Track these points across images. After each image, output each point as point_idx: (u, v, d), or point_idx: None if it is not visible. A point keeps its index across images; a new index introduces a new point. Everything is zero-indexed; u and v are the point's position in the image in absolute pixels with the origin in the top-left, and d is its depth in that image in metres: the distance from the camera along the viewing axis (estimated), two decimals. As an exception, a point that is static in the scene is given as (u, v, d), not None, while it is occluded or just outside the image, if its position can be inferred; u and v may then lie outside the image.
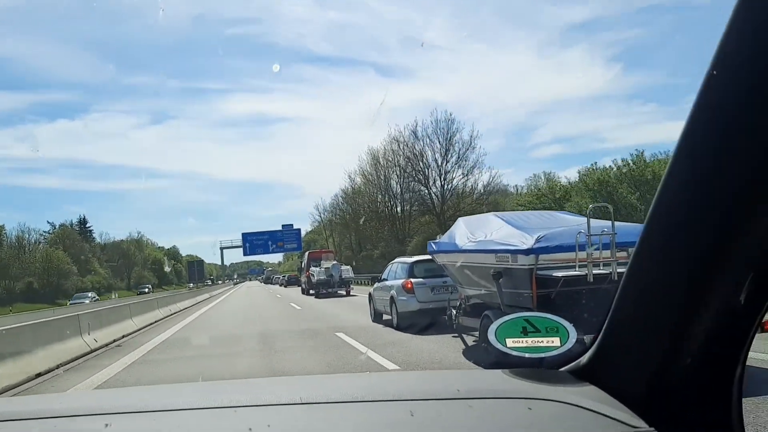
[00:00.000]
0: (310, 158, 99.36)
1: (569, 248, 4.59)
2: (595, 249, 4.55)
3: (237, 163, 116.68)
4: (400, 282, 9.82)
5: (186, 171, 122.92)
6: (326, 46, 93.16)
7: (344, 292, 24.17)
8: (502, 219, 5.98)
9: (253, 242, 58.23)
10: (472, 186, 40.14)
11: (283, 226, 58.38)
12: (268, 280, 71.45)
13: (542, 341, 1.02)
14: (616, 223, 6.13)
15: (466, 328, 6.71)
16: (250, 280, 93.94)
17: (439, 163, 41.26)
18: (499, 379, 0.99)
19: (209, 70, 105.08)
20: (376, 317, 11.23)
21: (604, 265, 4.57)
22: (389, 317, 10.21)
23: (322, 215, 58.99)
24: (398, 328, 9.51)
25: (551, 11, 52.49)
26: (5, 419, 0.87)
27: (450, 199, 41.00)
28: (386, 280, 10.85)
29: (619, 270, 4.50)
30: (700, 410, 0.74)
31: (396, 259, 11.57)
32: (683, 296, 0.70)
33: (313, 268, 26.23)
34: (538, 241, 4.84)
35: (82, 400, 1.06)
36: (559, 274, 4.57)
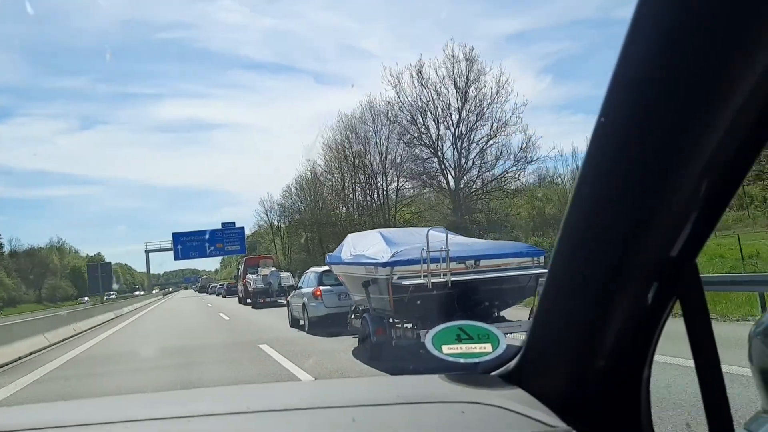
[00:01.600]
0: (248, 165, 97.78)
1: (417, 261, 5.87)
2: (439, 262, 5.86)
3: (172, 169, 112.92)
4: (311, 290, 11.02)
5: (117, 177, 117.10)
6: (263, 53, 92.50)
7: (284, 302, 21.58)
8: (381, 235, 7.22)
9: (186, 244, 48.89)
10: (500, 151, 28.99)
11: (223, 224, 50.28)
12: (203, 289, 65.62)
13: (475, 347, 1.09)
14: (467, 239, 7.61)
15: (356, 329, 7.90)
16: (185, 289, 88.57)
17: (454, 121, 29.62)
18: (436, 384, 1.05)
19: (141, 74, 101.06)
20: (293, 323, 12.25)
21: (444, 275, 5.87)
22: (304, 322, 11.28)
23: (269, 213, 50.56)
24: (309, 331, 10.58)
25: (485, 23, 55.47)
26: None
27: (470, 171, 30.09)
28: (302, 288, 11.96)
29: (453, 278, 5.83)
30: (613, 410, 0.80)
31: (310, 269, 12.80)
32: (594, 302, 0.76)
33: (249, 276, 24.76)
34: (394, 255, 6.09)
35: (67, 411, 1.08)
36: (407, 282, 5.84)
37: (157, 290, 72.36)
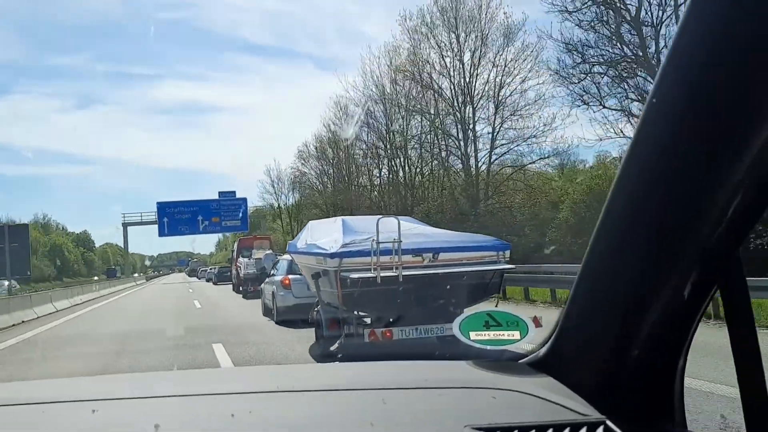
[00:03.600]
0: (245, 149, 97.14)
1: (369, 253, 5.51)
2: (392, 255, 5.50)
3: (169, 152, 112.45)
4: (280, 278, 10.62)
5: (113, 158, 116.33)
6: (263, 36, 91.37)
7: None
8: (343, 223, 6.83)
9: (174, 217, 38.92)
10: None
11: (221, 194, 40.33)
12: (192, 273, 58.94)
13: (503, 334, 1.12)
14: (429, 230, 7.22)
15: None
16: (179, 272, 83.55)
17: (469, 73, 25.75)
18: (465, 369, 1.06)
19: (140, 54, 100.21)
20: (266, 311, 11.92)
21: (395, 268, 5.51)
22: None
23: (276, 184, 42.85)
24: (278, 322, 10.26)
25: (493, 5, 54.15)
26: None
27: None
28: (274, 275, 11.59)
29: (406, 273, 5.48)
30: (646, 399, 0.81)
31: (283, 256, 12.36)
32: (632, 289, 0.77)
33: (242, 259, 21.74)
34: (344, 246, 5.72)
35: (67, 387, 1.11)
36: (356, 276, 5.49)
37: (140, 274, 65.98)
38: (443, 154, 28.61)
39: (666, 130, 0.65)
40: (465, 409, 0.87)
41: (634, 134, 0.70)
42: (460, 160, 27.69)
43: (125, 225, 46.09)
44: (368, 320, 6.26)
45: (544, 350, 0.98)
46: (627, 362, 0.81)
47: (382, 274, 5.36)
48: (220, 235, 58.27)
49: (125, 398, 0.96)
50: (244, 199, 40.95)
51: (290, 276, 10.32)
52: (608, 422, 0.79)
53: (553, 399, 0.86)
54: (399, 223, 5.67)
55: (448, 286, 5.86)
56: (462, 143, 27.21)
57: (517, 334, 1.12)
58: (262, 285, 13.13)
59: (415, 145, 30.32)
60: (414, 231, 6.60)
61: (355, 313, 6.10)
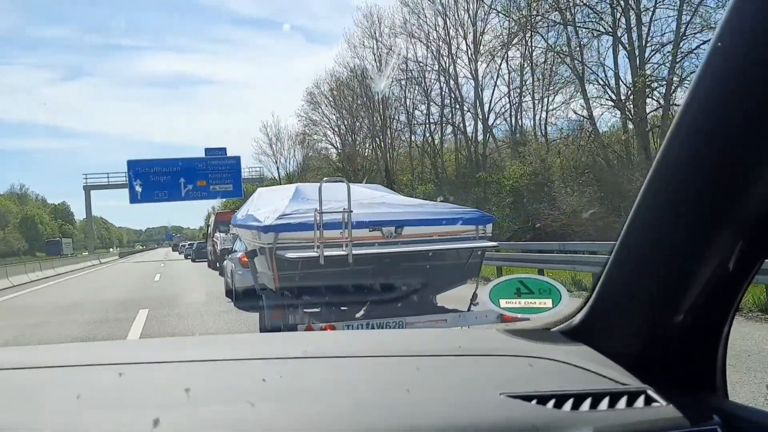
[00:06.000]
0: (235, 122, 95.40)
1: (311, 227, 4.35)
2: (341, 229, 4.36)
3: (156, 124, 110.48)
4: (239, 255, 9.45)
5: (100, 131, 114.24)
6: (253, 7, 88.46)
7: None
8: (297, 190, 5.63)
9: (150, 179, 31.83)
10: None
11: (207, 151, 33.58)
12: (176, 248, 56.65)
13: (535, 302, 1.12)
14: (392, 197, 6.02)
15: None
16: (168, 246, 79.78)
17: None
18: (499, 337, 1.06)
19: (129, 25, 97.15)
20: (228, 292, 10.86)
21: (347, 245, 4.36)
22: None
23: (274, 144, 37.00)
24: (237, 305, 9.22)
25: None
26: (18, 367, 0.90)
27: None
28: (236, 251, 10.44)
29: (358, 252, 4.34)
30: (688, 368, 0.82)
31: None
32: (675, 263, 0.77)
33: (218, 234, 20.71)
34: (281, 217, 4.56)
35: (94, 351, 1.11)
36: (293, 255, 4.34)
37: (116, 249, 59.85)
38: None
39: (717, 94, 0.66)
40: (500, 377, 0.87)
41: (687, 95, 0.70)
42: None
43: (87, 188, 38.20)
44: (317, 309, 5.15)
45: (579, 317, 0.98)
46: (668, 331, 0.82)
47: (326, 253, 4.20)
48: (215, 203, 45.77)
49: (153, 362, 0.96)
50: (238, 158, 33.89)
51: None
52: (649, 391, 0.79)
53: (591, 368, 0.86)
54: (349, 188, 4.48)
55: (413, 269, 4.74)
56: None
57: (549, 302, 1.11)
58: (225, 262, 11.97)
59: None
60: (377, 200, 5.44)
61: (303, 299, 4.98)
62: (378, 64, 28.96)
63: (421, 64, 28.24)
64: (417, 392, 0.80)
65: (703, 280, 0.75)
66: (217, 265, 18.98)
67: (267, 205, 5.45)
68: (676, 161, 0.73)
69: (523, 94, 25.14)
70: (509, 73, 25.72)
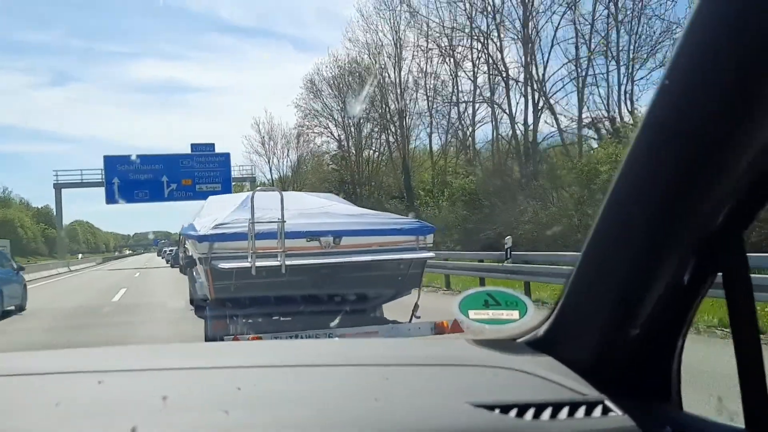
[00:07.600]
0: (224, 129, 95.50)
1: (246, 237, 4.35)
2: (276, 239, 4.35)
3: (145, 131, 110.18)
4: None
5: (88, 136, 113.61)
6: (242, 15, 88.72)
7: None
8: (250, 199, 5.57)
9: (129, 177, 29.26)
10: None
11: (193, 146, 30.77)
12: (160, 253, 53.80)
13: (502, 314, 1.15)
14: (340, 207, 6.01)
15: None
16: (153, 251, 77.84)
17: None
18: (465, 347, 1.09)
19: (116, 31, 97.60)
20: (191, 300, 10.73)
21: (291, 255, 4.36)
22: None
23: (267, 142, 34.39)
24: (198, 314, 9.13)
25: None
26: None
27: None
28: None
29: (291, 262, 4.34)
30: (644, 379, 0.84)
31: None
32: (633, 273, 0.79)
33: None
34: (217, 227, 4.57)
35: (74, 358, 1.11)
36: (226, 266, 4.34)
37: (82, 256, 55.69)
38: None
39: (672, 115, 0.68)
40: (466, 386, 0.89)
41: (642, 117, 0.72)
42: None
43: (58, 186, 35.00)
44: (259, 319, 5.14)
45: (543, 329, 1.00)
46: (626, 343, 0.84)
47: (258, 264, 4.21)
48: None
49: (132, 370, 0.97)
50: (227, 155, 30.94)
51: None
52: (606, 401, 0.82)
53: (552, 378, 0.88)
54: (282, 198, 4.49)
55: (352, 279, 4.74)
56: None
57: (516, 314, 1.14)
58: (189, 269, 11.89)
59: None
60: (322, 209, 5.45)
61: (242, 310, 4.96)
62: (395, 34, 25.07)
63: (454, 29, 23.87)
64: (385, 400, 0.82)
65: (657, 294, 0.78)
66: (186, 271, 18.91)
67: (210, 214, 5.44)
68: (635, 177, 0.75)
69: (595, 58, 18.90)
70: (576, 34, 19.36)
